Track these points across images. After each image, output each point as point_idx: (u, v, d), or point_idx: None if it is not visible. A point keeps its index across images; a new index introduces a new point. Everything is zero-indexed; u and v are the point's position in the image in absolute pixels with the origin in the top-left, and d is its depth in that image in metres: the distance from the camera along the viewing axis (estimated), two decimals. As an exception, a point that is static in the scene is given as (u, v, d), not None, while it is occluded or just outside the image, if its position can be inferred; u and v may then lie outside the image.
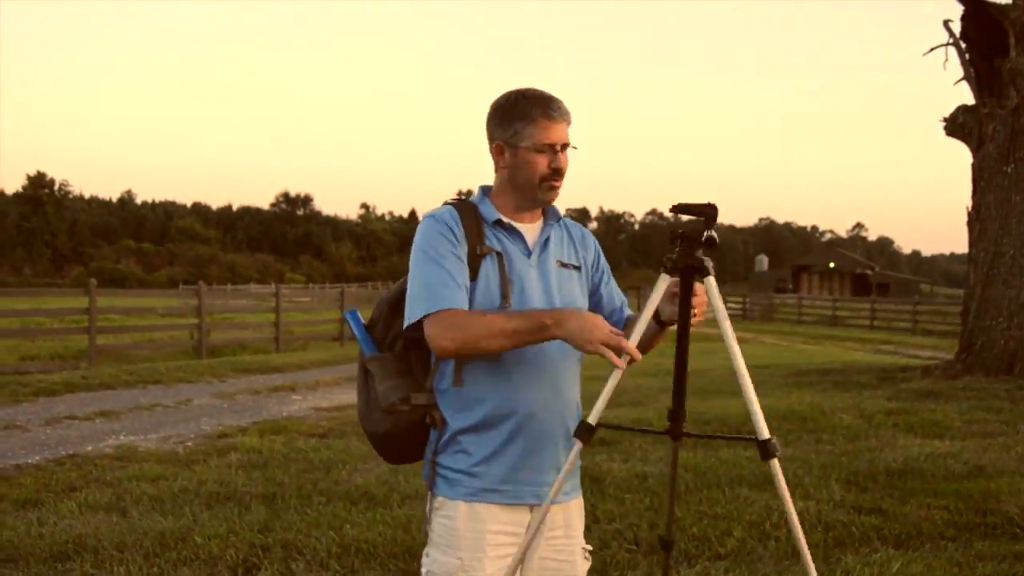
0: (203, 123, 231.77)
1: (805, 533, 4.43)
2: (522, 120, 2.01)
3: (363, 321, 2.13)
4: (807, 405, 8.54)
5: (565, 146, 2.04)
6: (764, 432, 1.93)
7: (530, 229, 2.10)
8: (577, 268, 2.15)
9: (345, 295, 20.82)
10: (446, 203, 2.10)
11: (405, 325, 1.98)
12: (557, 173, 2.03)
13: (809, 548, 2.16)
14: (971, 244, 11.62)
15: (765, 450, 1.93)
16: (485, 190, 2.15)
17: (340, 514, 4.84)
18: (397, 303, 2.06)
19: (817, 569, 2.01)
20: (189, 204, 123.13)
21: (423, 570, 2.00)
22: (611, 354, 1.86)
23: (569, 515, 2.10)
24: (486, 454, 1.97)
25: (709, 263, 1.95)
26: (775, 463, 1.94)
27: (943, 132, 12.16)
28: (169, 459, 6.56)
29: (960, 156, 12.07)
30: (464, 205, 2.08)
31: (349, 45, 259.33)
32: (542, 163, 2.01)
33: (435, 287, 1.94)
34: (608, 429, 2.12)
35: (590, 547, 2.15)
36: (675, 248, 1.96)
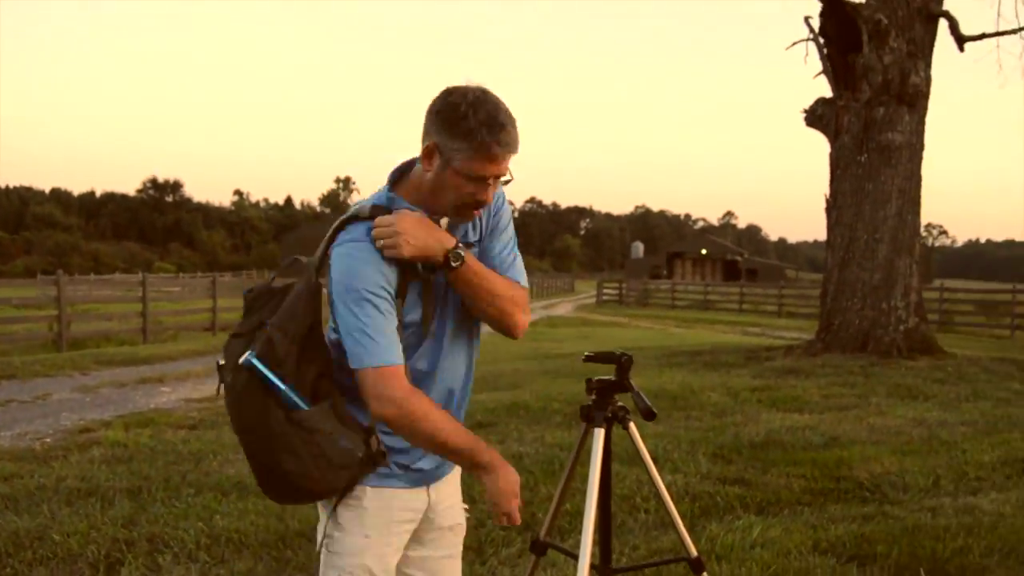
0: (62, 105, 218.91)
1: (674, 504, 4.60)
2: (466, 142, 1.77)
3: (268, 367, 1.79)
4: (678, 384, 8.86)
5: (498, 178, 1.83)
6: (692, 550, 2.08)
7: (443, 220, 1.91)
8: (471, 245, 1.98)
9: (217, 284, 20.11)
10: (358, 216, 1.86)
11: (353, 365, 1.81)
12: (478, 205, 1.84)
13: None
14: (829, 229, 12.30)
15: (699, 566, 2.11)
16: (393, 187, 1.91)
17: (210, 505, 4.69)
18: (306, 338, 1.82)
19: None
20: (47, 190, 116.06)
21: (323, 551, 1.95)
22: (501, 520, 1.92)
23: (454, 482, 2.12)
24: (392, 446, 1.92)
25: (627, 411, 1.99)
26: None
27: (804, 123, 12.79)
28: (25, 456, 6.18)
29: (820, 146, 12.72)
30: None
31: (218, 25, 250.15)
32: (466, 190, 1.81)
33: (377, 335, 1.78)
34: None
35: (467, 505, 2.17)
36: (593, 399, 1.96)
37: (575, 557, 1.82)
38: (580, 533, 1.90)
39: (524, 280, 2.01)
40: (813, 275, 65.05)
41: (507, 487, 1.86)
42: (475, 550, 4.00)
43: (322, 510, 1.97)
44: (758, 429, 6.59)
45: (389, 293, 1.80)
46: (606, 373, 1.94)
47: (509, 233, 2.01)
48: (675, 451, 5.83)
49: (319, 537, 1.98)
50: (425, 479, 1.99)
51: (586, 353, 1.95)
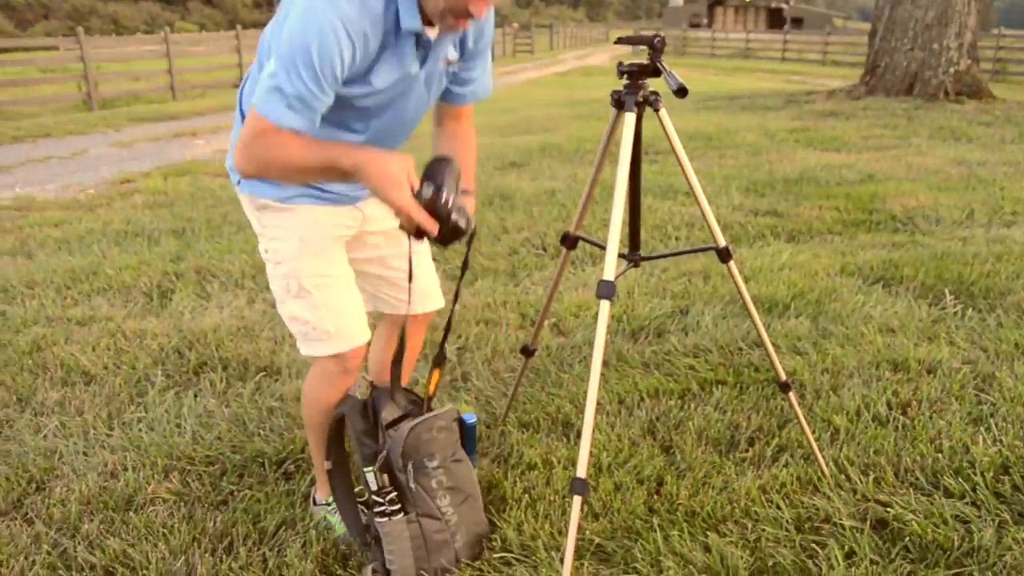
0: None
1: (704, 232, 4.65)
2: None
3: None
4: (713, 126, 8.70)
5: None
6: (721, 240, 2.05)
7: (433, 31, 1.77)
8: (450, 63, 1.89)
9: (241, 38, 19.55)
10: None
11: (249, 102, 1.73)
12: (468, 16, 1.68)
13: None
14: (883, -38, 11.46)
15: (726, 255, 2.07)
16: None
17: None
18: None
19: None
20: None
21: (269, 267, 1.96)
22: (404, 225, 1.70)
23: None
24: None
25: (659, 96, 1.87)
26: (731, 264, 2.10)
27: None
28: (71, 205, 6.36)
29: None
30: (379, 13, 1.66)
31: None
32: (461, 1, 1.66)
33: (291, 97, 1.63)
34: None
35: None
36: (625, 84, 1.85)
37: (603, 248, 1.85)
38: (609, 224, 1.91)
39: (489, 90, 2.00)
40: (863, 24, 61.58)
41: (384, 178, 1.64)
42: (508, 273, 4.13)
43: (253, 224, 1.97)
44: (793, 166, 6.52)
45: (335, 79, 1.65)
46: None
47: (487, 52, 1.95)
48: (708, 186, 5.82)
49: (260, 251, 1.99)
50: (349, 200, 1.96)
51: (618, 36, 1.87)
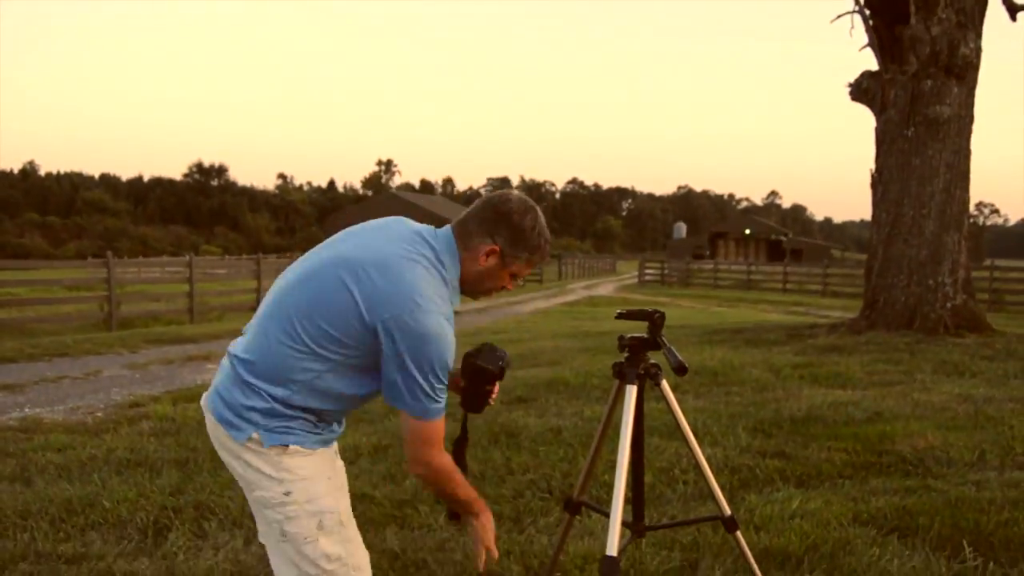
0: (109, 91, 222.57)
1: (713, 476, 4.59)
2: (529, 253, 2.15)
3: None
4: (718, 361, 8.80)
5: None
6: (726, 509, 2.19)
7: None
8: None
9: (262, 265, 20.39)
10: (439, 289, 2.10)
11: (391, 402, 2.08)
12: (497, 291, 2.22)
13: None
14: (874, 205, 12.06)
15: (732, 524, 2.21)
16: (456, 265, 2.17)
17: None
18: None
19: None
20: (97, 176, 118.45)
21: (288, 510, 2.08)
22: (480, 558, 2.26)
23: None
24: (316, 407, 2.12)
25: (659, 369, 2.03)
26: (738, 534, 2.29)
27: (849, 97, 12.54)
28: (77, 429, 6.37)
29: (867, 124, 12.47)
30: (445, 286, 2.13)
31: (263, 9, 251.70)
32: (504, 283, 2.19)
33: (437, 399, 2.05)
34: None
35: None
36: (625, 356, 2.02)
37: (608, 515, 1.83)
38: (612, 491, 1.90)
39: None
40: (859, 255, 63.97)
41: (491, 528, 2.24)
42: (512, 519, 4.04)
43: (263, 472, 2.08)
44: (799, 404, 6.53)
45: None
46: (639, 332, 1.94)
47: None
48: (714, 425, 5.81)
49: (273, 498, 2.08)
50: (332, 440, 2.24)
51: (618, 311, 1.95)
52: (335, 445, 2.30)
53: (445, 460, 2.10)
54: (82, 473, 4.96)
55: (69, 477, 4.88)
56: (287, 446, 2.08)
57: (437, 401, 2.02)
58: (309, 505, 2.07)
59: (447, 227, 2.18)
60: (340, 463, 2.31)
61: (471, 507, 2.22)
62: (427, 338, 1.97)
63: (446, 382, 2.04)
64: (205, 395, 2.20)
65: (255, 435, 2.06)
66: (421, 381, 1.98)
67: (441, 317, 2.00)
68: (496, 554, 2.25)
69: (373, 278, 1.98)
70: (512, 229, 2.11)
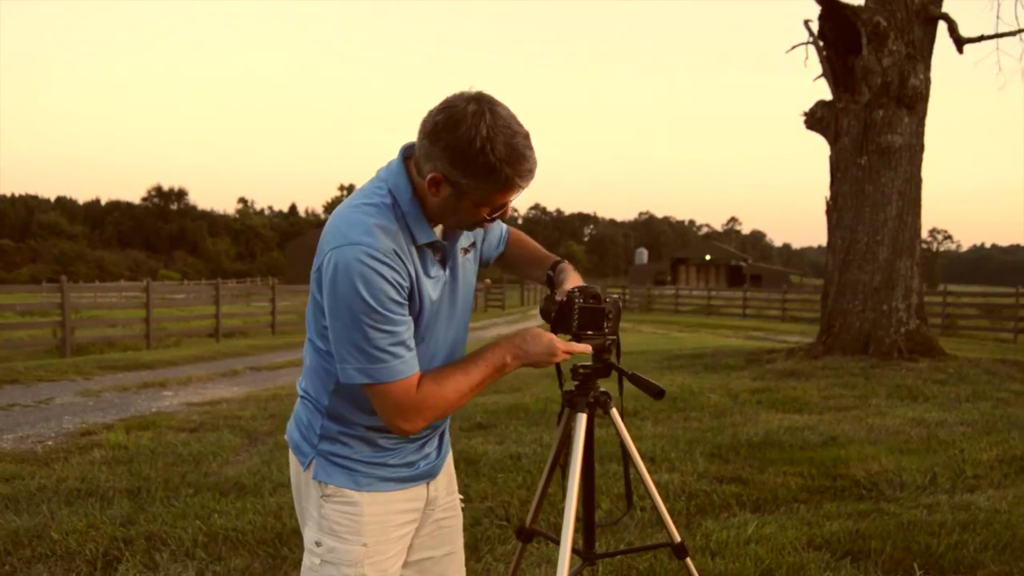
0: (67, 114, 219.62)
1: (670, 502, 4.61)
2: (486, 181, 1.63)
3: None
4: (678, 386, 8.86)
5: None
6: (676, 536, 2.16)
7: (437, 228, 1.80)
8: (473, 244, 1.94)
9: (221, 290, 20.14)
10: (370, 220, 1.67)
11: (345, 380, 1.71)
12: (489, 222, 1.75)
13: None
14: (829, 232, 12.30)
15: (682, 551, 2.17)
16: (408, 189, 1.72)
17: (208, 504, 4.72)
18: None
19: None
20: (53, 198, 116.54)
21: (315, 560, 1.81)
22: (564, 356, 1.84)
23: (449, 473, 2.05)
24: (387, 446, 1.83)
25: (609, 396, 2.00)
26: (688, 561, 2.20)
27: (804, 126, 12.81)
28: (26, 458, 6.22)
29: (823, 151, 12.71)
30: (395, 231, 1.69)
31: (222, 33, 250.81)
32: (482, 215, 1.71)
33: (381, 354, 1.65)
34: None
35: (462, 495, 2.12)
36: (576, 384, 1.96)
37: (558, 543, 1.84)
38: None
39: (504, 226, 2.09)
40: (817, 280, 64.97)
41: (543, 342, 1.80)
42: (470, 547, 4.01)
43: (309, 511, 1.84)
44: (756, 429, 6.60)
45: (402, 294, 1.68)
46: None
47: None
48: (672, 451, 5.84)
49: (308, 541, 1.84)
50: (423, 476, 1.90)
51: (578, 366, 1.95)
52: (429, 490, 1.93)
53: (428, 402, 1.70)
54: (30, 504, 4.84)
55: (16, 508, 4.75)
56: (326, 484, 1.81)
57: (386, 353, 1.64)
58: (332, 569, 1.79)
59: (402, 147, 1.78)
60: (449, 521, 1.99)
61: (503, 370, 1.78)
62: (337, 276, 1.61)
63: (390, 327, 1.63)
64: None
65: (313, 461, 1.82)
66: (352, 331, 1.61)
67: (360, 250, 1.60)
68: (562, 354, 1.82)
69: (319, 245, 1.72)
70: (450, 151, 1.60)
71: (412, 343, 1.69)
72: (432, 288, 1.76)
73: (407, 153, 1.74)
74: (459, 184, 1.63)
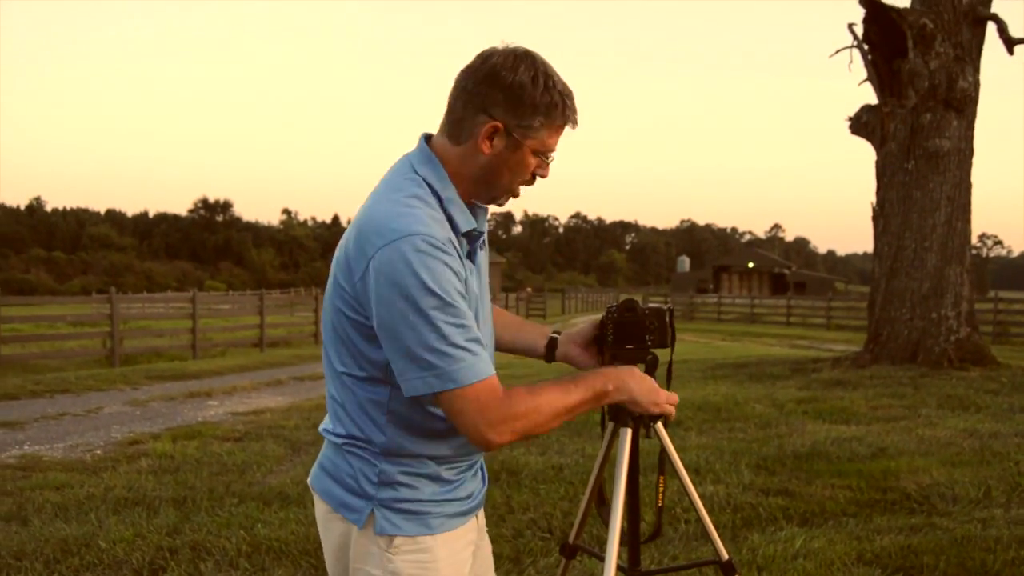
0: (116, 128, 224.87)
1: (715, 515, 4.54)
2: (545, 116, 1.57)
3: None
4: (722, 396, 8.75)
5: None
6: (724, 553, 2.07)
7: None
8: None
9: (265, 301, 20.40)
10: (417, 210, 1.54)
11: (409, 394, 1.54)
12: (528, 185, 1.66)
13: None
14: (876, 239, 12.08)
15: (730, 569, 2.10)
16: (441, 171, 1.62)
17: (252, 514, 4.76)
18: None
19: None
20: (103, 211, 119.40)
21: None
22: (671, 410, 1.77)
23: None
24: (450, 479, 1.69)
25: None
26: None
27: (849, 131, 12.61)
28: (76, 467, 6.34)
29: (868, 156, 12.51)
30: (442, 220, 1.58)
31: (268, 48, 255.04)
32: (530, 171, 1.62)
33: (458, 351, 1.49)
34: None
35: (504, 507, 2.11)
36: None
37: (603, 559, 1.81)
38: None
39: None
40: (863, 287, 63.93)
41: (647, 382, 1.71)
42: (512, 559, 3.99)
43: (368, 572, 1.64)
44: (803, 440, 6.48)
45: (463, 284, 1.55)
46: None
47: None
48: (717, 462, 5.76)
49: None
50: (479, 505, 1.80)
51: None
52: (478, 519, 1.81)
53: (520, 410, 1.52)
54: (79, 512, 4.92)
55: (66, 516, 4.84)
56: (396, 536, 1.62)
57: (463, 350, 1.48)
58: None
59: (421, 136, 1.69)
60: (485, 546, 1.86)
61: (603, 398, 1.66)
62: (396, 273, 1.46)
63: (463, 320, 1.49)
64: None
65: (373, 515, 1.62)
66: (422, 331, 1.46)
67: (419, 240, 1.47)
68: (668, 409, 1.74)
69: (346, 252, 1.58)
70: (507, 90, 1.55)
71: (479, 339, 1.53)
72: (473, 281, 1.65)
73: (443, 127, 1.65)
74: (516, 128, 1.57)
